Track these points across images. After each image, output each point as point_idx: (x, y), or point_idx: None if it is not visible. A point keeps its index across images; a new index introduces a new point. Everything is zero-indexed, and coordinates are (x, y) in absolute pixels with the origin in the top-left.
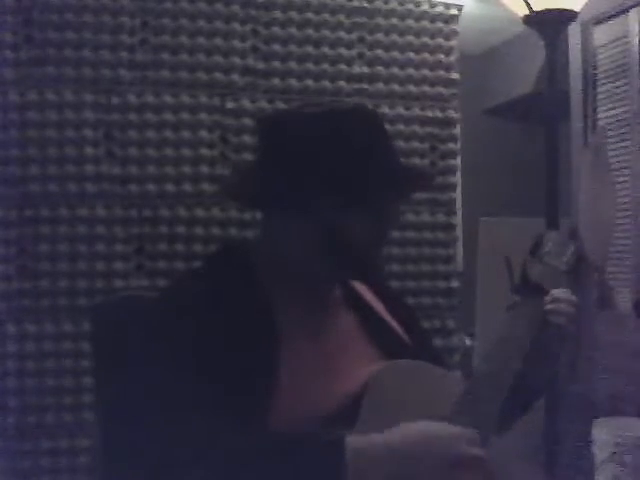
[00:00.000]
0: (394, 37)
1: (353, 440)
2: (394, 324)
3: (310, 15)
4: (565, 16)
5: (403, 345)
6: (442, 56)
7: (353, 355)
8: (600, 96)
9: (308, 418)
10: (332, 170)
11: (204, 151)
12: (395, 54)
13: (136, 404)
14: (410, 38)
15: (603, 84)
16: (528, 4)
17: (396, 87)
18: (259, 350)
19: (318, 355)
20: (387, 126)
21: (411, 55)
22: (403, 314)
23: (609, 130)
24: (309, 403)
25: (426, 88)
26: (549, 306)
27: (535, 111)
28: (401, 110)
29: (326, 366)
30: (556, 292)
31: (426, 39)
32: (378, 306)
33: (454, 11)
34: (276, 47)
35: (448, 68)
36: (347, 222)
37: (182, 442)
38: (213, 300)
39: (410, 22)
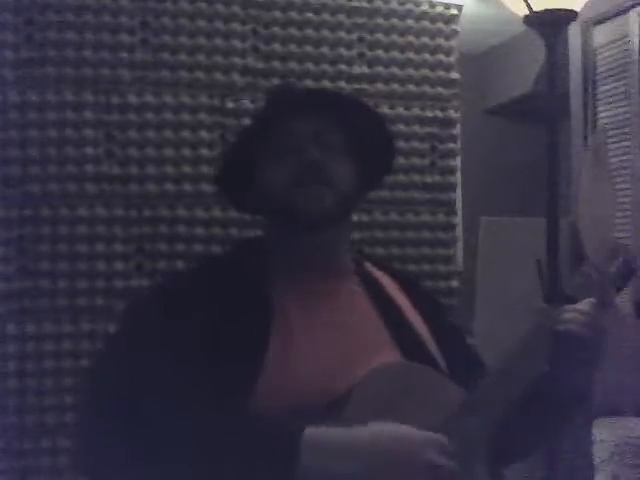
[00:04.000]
0: (394, 37)
1: (312, 432)
2: (416, 319)
3: (310, 15)
4: (565, 16)
5: (417, 341)
6: (442, 56)
7: (366, 343)
8: (600, 96)
9: (308, 404)
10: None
11: (204, 151)
12: (395, 54)
13: (132, 388)
14: (410, 38)
15: (603, 84)
16: (528, 4)
17: (396, 87)
18: (251, 335)
19: (321, 343)
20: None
21: (411, 55)
22: (430, 311)
23: (609, 130)
24: (310, 388)
25: (426, 88)
26: (563, 315)
27: (535, 111)
28: (401, 110)
29: (333, 352)
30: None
31: (426, 39)
32: (403, 302)
33: (454, 11)
34: (276, 47)
35: (448, 68)
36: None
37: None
38: (216, 291)
39: (410, 22)
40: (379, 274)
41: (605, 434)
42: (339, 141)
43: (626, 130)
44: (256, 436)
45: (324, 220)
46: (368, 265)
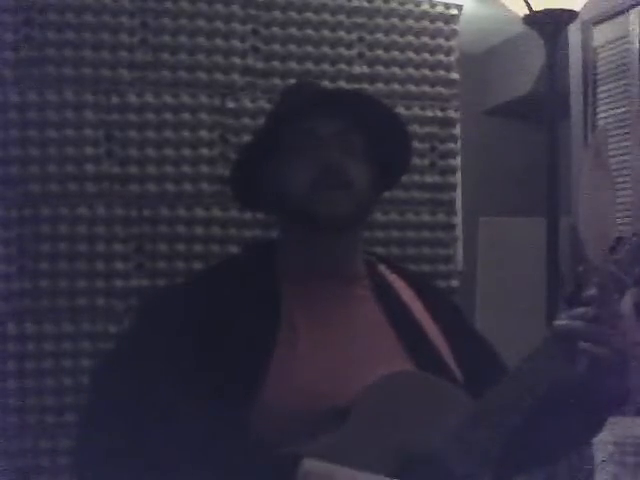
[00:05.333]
0: (394, 37)
1: (310, 464)
2: (429, 324)
3: (310, 15)
4: (565, 16)
5: (428, 348)
6: (442, 56)
7: (373, 350)
8: (600, 96)
9: (312, 410)
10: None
11: (204, 151)
12: (395, 54)
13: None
14: (410, 38)
15: (603, 84)
16: (528, 4)
17: (396, 87)
18: (257, 340)
19: (327, 348)
20: None
21: (411, 55)
22: (444, 314)
23: (609, 130)
24: (313, 394)
25: (426, 88)
26: (560, 322)
27: (535, 111)
28: (401, 110)
29: (338, 359)
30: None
31: (426, 39)
32: (416, 305)
33: (454, 11)
34: (276, 47)
35: (448, 68)
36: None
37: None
38: (221, 296)
39: (410, 22)
40: (392, 277)
41: (605, 434)
42: (358, 142)
43: (626, 130)
44: (256, 460)
45: (343, 224)
46: (381, 267)
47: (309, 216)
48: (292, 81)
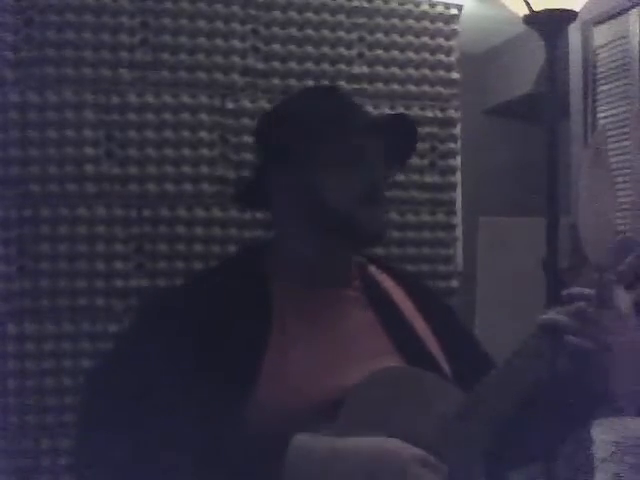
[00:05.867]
0: (394, 37)
1: (300, 439)
2: (419, 323)
3: (310, 15)
4: (565, 16)
5: (419, 346)
6: (442, 56)
7: (363, 351)
8: (600, 96)
9: (304, 409)
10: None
11: (204, 151)
12: (395, 54)
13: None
14: (410, 38)
15: (603, 84)
16: (528, 4)
17: (396, 87)
18: (248, 340)
19: (318, 348)
20: None
21: (411, 55)
22: (434, 313)
23: (609, 130)
24: (305, 394)
25: (426, 88)
26: (545, 316)
27: (535, 111)
28: (401, 110)
29: (330, 359)
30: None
31: (426, 39)
32: (406, 305)
33: (454, 11)
34: (276, 47)
35: (448, 68)
36: (324, 182)
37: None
38: (215, 298)
39: (410, 22)
40: (382, 277)
41: (605, 434)
42: (384, 158)
43: (626, 130)
44: (248, 439)
45: (380, 239)
46: (371, 268)
47: (349, 229)
48: (292, 81)
